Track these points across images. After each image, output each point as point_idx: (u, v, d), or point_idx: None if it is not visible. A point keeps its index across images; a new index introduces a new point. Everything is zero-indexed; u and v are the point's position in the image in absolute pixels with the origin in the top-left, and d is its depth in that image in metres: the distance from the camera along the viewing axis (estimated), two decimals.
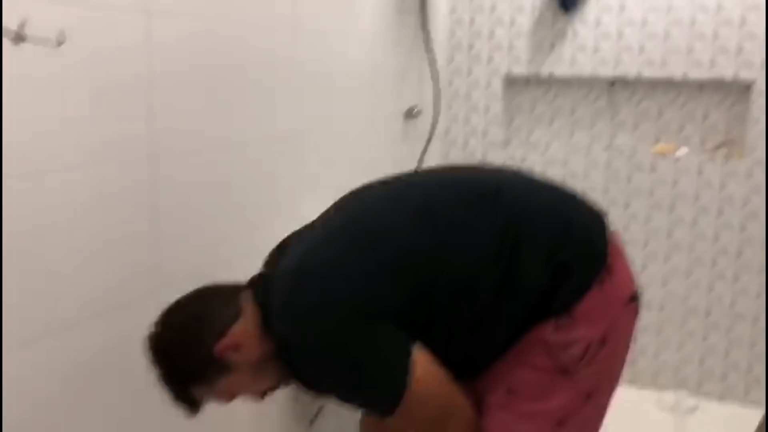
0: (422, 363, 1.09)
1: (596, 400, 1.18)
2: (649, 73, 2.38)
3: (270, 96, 1.62)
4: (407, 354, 1.08)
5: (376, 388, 1.09)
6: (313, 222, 1.25)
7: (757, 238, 2.34)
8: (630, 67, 2.39)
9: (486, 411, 1.17)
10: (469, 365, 1.19)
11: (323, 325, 1.06)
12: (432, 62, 2.39)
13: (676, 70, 2.34)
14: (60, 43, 1.02)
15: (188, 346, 1.12)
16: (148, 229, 1.30)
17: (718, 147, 2.39)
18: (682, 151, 2.43)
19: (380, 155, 2.26)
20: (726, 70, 2.29)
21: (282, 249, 1.22)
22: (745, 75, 2.27)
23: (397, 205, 1.17)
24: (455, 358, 1.15)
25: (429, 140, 2.46)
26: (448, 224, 1.13)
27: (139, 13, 1.22)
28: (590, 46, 2.43)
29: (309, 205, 1.83)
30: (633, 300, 1.19)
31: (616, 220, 2.49)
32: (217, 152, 1.46)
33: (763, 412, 1.90)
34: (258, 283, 1.18)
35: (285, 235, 1.67)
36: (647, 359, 2.52)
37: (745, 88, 2.31)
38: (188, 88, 1.36)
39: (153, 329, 1.15)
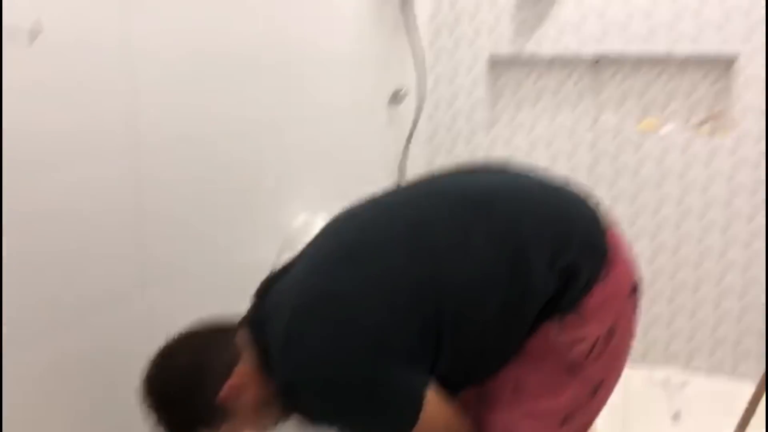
0: (431, 403, 1.05)
1: (602, 392, 1.17)
2: (632, 49, 2.37)
3: (252, 85, 1.60)
4: (414, 396, 1.04)
5: (380, 428, 1.07)
6: (304, 250, 1.19)
7: (743, 213, 2.35)
8: (613, 44, 2.38)
9: (490, 409, 1.15)
10: (475, 379, 1.16)
11: (327, 369, 1.02)
12: (415, 45, 2.37)
13: (660, 45, 2.34)
14: (35, 35, 0.99)
15: (189, 395, 1.06)
16: (133, 224, 1.28)
17: (703, 122, 2.40)
18: (668, 127, 2.43)
19: (367, 140, 2.24)
20: (709, 45, 2.29)
21: (273, 281, 1.17)
22: (728, 50, 2.27)
23: (391, 230, 1.11)
24: (459, 378, 1.13)
25: (415, 123, 2.44)
26: (446, 245, 1.08)
27: (114, 8, 1.18)
28: (573, 23, 2.42)
29: (294, 195, 1.81)
30: (635, 290, 1.18)
31: (603, 198, 2.49)
32: (199, 143, 1.43)
33: (754, 382, 1.91)
34: (254, 320, 1.13)
35: (269, 225, 1.65)
36: (637, 336, 2.52)
37: (729, 62, 2.31)
38: (169, 79, 1.33)
39: (149, 373, 1.09)
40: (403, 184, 1.28)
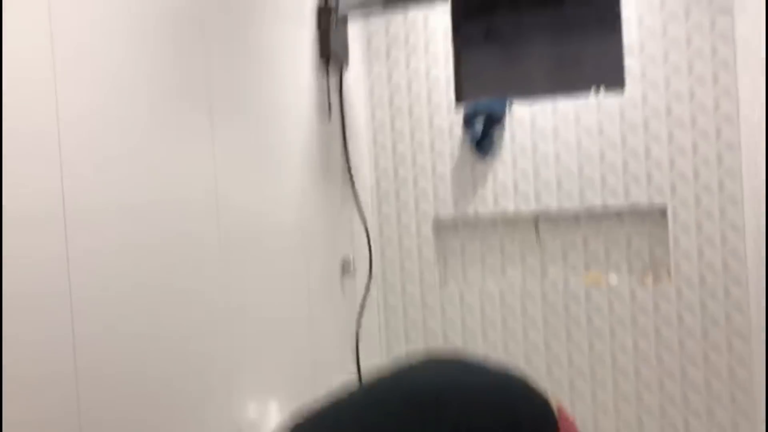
0: None
1: None
2: (569, 205, 2.48)
3: (196, 271, 1.59)
4: None
5: None
6: None
7: (697, 356, 2.37)
8: (550, 202, 2.49)
9: None
10: None
11: None
12: (362, 215, 2.43)
13: (594, 201, 2.45)
14: None
15: None
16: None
17: (645, 271, 2.47)
18: (613, 279, 2.49)
19: (320, 315, 2.23)
20: (640, 197, 2.41)
21: None
22: (657, 201, 2.39)
23: None
24: None
25: (367, 289, 2.45)
26: None
27: (58, 227, 1.19)
28: (510, 185, 2.53)
29: (247, 383, 1.76)
30: None
31: (559, 352, 2.50)
32: (141, 346, 1.38)
33: None
34: None
35: (221, 420, 1.55)
36: None
37: (661, 213, 2.42)
38: (107, 276, 1.31)
39: None
40: (351, 387, 1.26)
